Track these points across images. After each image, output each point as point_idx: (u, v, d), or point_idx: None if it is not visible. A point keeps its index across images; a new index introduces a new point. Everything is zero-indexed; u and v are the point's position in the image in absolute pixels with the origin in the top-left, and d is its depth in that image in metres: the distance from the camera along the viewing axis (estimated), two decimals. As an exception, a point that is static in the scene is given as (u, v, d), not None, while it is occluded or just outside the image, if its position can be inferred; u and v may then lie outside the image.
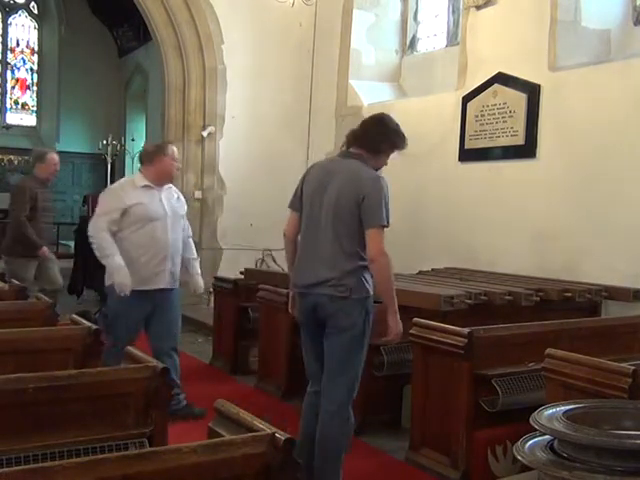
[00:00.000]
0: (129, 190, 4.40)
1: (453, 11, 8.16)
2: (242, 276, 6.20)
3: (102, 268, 4.44)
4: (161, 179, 4.46)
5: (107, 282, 4.36)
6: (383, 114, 3.50)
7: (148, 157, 4.48)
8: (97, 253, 4.32)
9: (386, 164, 3.48)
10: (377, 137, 3.34)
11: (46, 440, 2.29)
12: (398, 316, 3.24)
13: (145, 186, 4.40)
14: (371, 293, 3.25)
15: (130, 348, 2.86)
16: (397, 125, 3.42)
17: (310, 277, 3.26)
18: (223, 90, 8.90)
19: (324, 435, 3.22)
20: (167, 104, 9.06)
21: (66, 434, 2.33)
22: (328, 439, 3.22)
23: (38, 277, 6.14)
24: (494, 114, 6.71)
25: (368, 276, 3.23)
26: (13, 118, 17.03)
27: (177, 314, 4.60)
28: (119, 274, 4.23)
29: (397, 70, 8.88)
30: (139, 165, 4.61)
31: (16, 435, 2.27)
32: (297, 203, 3.43)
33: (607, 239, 5.69)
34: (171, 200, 4.54)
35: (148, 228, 4.36)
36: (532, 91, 6.38)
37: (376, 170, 3.34)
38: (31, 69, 17.30)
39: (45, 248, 5.94)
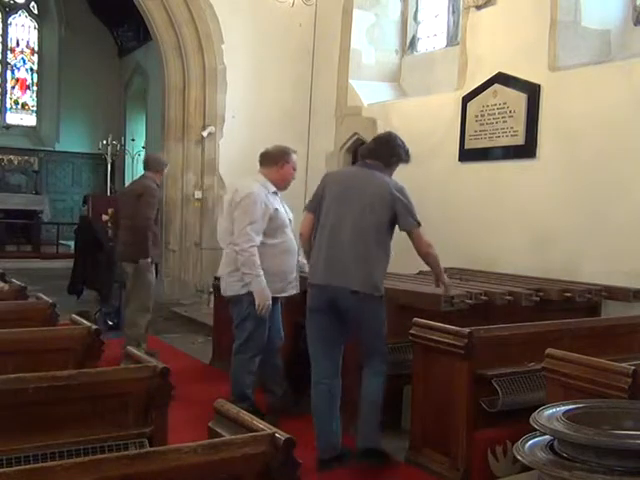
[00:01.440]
0: (268, 195, 4.32)
1: (453, 11, 8.16)
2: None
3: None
4: (280, 185, 4.43)
5: (241, 291, 4.32)
6: (390, 133, 4.08)
7: (272, 160, 4.42)
8: (243, 268, 4.21)
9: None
10: (388, 152, 3.87)
11: (46, 440, 2.29)
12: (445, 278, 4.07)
13: (274, 192, 4.38)
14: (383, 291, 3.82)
15: (130, 348, 2.85)
16: (402, 142, 3.95)
17: (338, 274, 3.71)
18: (223, 90, 8.90)
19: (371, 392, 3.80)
20: (167, 104, 9.06)
21: (66, 434, 2.33)
22: (374, 394, 3.79)
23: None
24: (494, 114, 6.71)
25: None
26: (13, 118, 17.04)
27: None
28: (263, 296, 4.22)
29: (397, 70, 8.88)
30: (260, 167, 4.48)
31: (16, 435, 2.27)
32: (315, 206, 3.88)
33: (607, 239, 5.69)
34: (286, 206, 4.53)
35: (284, 236, 4.36)
36: (532, 91, 6.38)
37: None
38: (31, 69, 17.31)
39: (149, 260, 5.65)
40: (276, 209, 4.32)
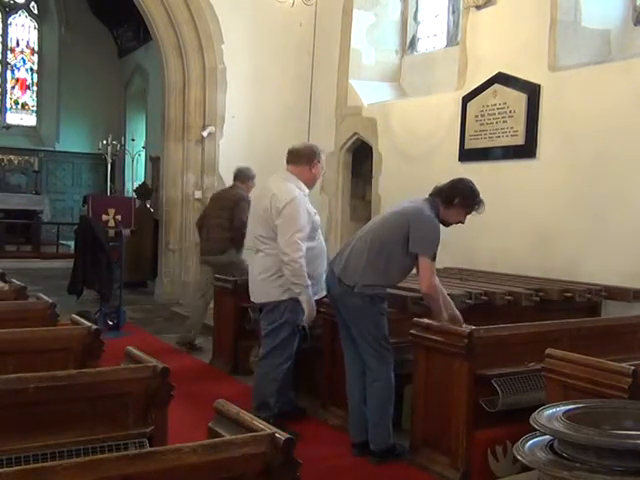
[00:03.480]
0: (305, 199, 4.14)
1: (453, 11, 8.16)
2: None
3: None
4: (309, 185, 4.28)
5: (282, 297, 4.14)
6: (466, 179, 4.01)
7: (305, 159, 4.23)
8: (293, 278, 4.01)
9: (462, 222, 4.00)
10: (453, 193, 3.89)
11: (46, 440, 2.29)
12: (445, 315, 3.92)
13: (307, 193, 4.22)
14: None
15: (130, 348, 2.85)
16: (475, 189, 3.93)
17: (338, 261, 4.02)
18: (223, 90, 8.90)
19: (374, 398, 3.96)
20: (167, 104, 9.06)
21: (66, 434, 2.33)
22: (377, 399, 3.95)
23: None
24: (494, 114, 6.71)
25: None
26: (13, 118, 17.05)
27: None
28: (311, 306, 4.11)
29: (397, 70, 8.88)
30: (287, 165, 4.30)
31: (16, 435, 2.27)
32: None
33: (607, 239, 5.69)
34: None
35: (318, 238, 4.26)
36: (532, 91, 6.38)
37: (446, 224, 3.93)
38: (31, 69, 17.32)
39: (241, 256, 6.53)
40: (314, 212, 4.20)
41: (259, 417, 3.89)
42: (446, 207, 3.90)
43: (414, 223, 3.79)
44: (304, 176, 4.23)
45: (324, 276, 4.25)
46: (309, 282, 4.05)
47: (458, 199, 3.88)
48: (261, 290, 4.26)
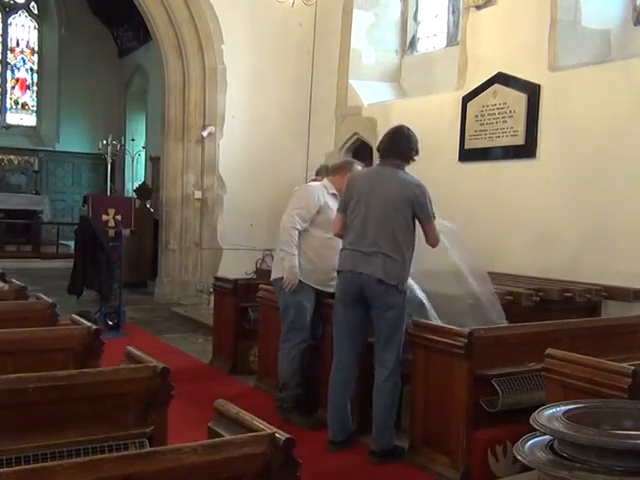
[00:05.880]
0: (323, 192, 4.62)
1: (453, 11, 8.16)
2: (248, 276, 6.25)
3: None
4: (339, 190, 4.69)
5: (277, 275, 4.56)
6: (404, 127, 4.13)
7: (339, 170, 4.72)
8: (282, 245, 4.49)
9: None
10: (409, 148, 4.03)
11: (46, 440, 2.29)
12: None
13: (333, 194, 4.62)
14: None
15: (130, 348, 2.85)
16: (415, 134, 4.08)
17: (364, 263, 3.89)
18: (223, 90, 8.91)
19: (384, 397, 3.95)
20: (167, 104, 9.07)
21: (66, 434, 2.33)
22: (387, 398, 3.94)
23: None
24: (494, 114, 6.71)
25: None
26: (13, 118, 17.04)
27: None
28: (291, 273, 4.42)
29: (397, 70, 8.88)
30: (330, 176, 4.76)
31: (16, 435, 2.27)
32: (344, 207, 4.10)
33: (607, 239, 5.69)
34: None
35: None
36: (532, 91, 6.38)
37: None
38: (31, 69, 17.32)
39: None
40: (329, 206, 4.53)
41: (281, 397, 4.37)
42: (407, 163, 4.06)
43: (420, 200, 3.91)
44: (337, 183, 4.61)
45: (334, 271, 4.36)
46: (295, 252, 4.43)
47: (415, 152, 4.05)
48: (274, 267, 4.69)
